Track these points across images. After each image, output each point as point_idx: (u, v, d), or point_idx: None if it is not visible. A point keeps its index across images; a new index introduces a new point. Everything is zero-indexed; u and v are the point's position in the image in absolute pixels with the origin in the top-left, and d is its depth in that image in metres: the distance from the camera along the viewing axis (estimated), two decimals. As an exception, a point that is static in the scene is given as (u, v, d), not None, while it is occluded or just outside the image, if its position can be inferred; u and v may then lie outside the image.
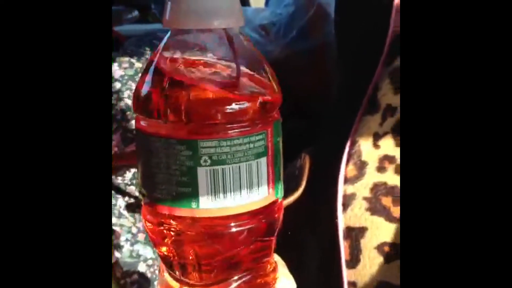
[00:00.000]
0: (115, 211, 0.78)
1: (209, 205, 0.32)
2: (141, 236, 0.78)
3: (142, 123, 0.33)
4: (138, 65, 0.79)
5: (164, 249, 0.35)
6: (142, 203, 0.35)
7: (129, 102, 0.75)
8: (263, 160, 0.33)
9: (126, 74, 0.77)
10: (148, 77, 0.33)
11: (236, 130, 0.32)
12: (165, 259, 0.35)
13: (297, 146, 0.67)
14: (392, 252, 0.52)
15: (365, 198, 0.55)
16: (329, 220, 0.56)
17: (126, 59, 0.80)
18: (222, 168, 0.32)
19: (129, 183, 0.77)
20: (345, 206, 0.56)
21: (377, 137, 0.56)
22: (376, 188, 0.55)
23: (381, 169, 0.55)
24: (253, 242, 0.34)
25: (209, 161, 0.32)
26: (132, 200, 0.78)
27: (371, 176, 0.56)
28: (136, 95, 0.33)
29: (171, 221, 0.33)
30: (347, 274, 0.54)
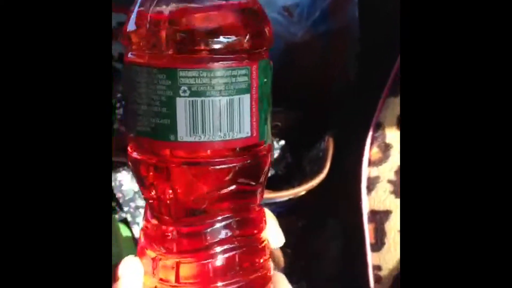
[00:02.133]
0: (141, 194, 0.79)
1: (187, 138, 0.31)
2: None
3: (129, 55, 0.33)
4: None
5: (148, 189, 0.34)
6: (128, 139, 0.34)
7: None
8: (246, 98, 0.32)
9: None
10: (133, 16, 0.33)
11: (218, 62, 0.31)
12: (148, 200, 0.35)
13: (321, 128, 0.67)
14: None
15: (389, 181, 0.55)
16: (353, 203, 0.56)
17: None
18: (202, 100, 0.31)
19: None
20: (369, 189, 0.56)
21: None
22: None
23: (406, 151, 0.55)
24: (234, 182, 0.33)
25: (188, 91, 0.31)
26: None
27: (396, 159, 0.55)
28: (124, 30, 0.33)
29: (152, 155, 0.33)
30: (371, 257, 0.54)
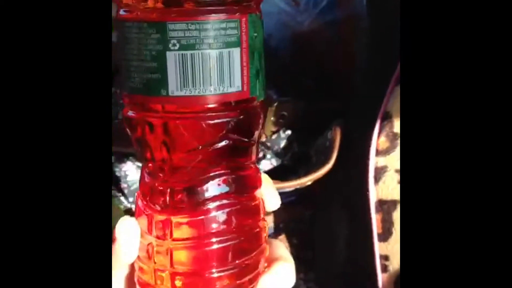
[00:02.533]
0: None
1: (178, 92, 0.31)
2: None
3: (120, 11, 0.33)
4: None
5: (143, 150, 0.34)
6: (122, 97, 0.34)
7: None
8: (236, 51, 0.32)
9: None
10: None
11: (206, 14, 0.31)
12: (141, 158, 0.35)
13: (328, 117, 0.66)
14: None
15: (397, 171, 0.54)
16: (361, 193, 0.56)
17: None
18: (191, 54, 0.31)
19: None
20: (377, 178, 0.55)
21: (409, 108, 0.55)
22: (409, 160, 0.54)
23: (413, 141, 0.54)
24: (226, 137, 0.33)
25: (177, 45, 0.31)
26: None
27: (404, 148, 0.55)
28: None
29: (144, 111, 0.33)
30: (379, 248, 0.54)
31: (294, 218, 0.64)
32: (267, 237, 0.37)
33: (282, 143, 0.67)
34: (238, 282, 0.35)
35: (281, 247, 0.38)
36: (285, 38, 0.74)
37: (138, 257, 0.35)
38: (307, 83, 0.74)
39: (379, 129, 0.56)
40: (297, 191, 0.62)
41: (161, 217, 0.34)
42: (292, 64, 0.73)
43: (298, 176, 0.62)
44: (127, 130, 0.35)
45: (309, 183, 0.61)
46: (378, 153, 0.56)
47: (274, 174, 0.66)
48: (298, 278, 0.64)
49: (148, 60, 0.31)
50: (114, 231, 0.35)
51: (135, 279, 0.36)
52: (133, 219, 0.35)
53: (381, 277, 0.53)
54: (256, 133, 0.35)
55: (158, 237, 0.34)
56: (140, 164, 0.82)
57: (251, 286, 0.35)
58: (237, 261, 0.34)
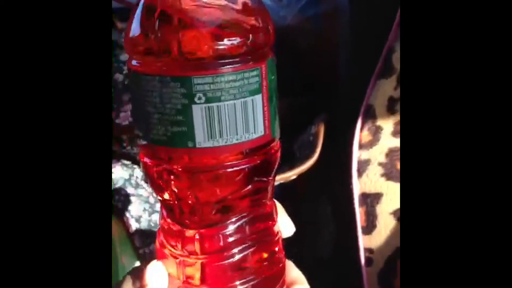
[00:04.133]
0: (132, 182, 0.78)
1: (206, 144, 0.32)
2: (158, 206, 0.78)
3: (134, 62, 0.33)
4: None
5: (163, 193, 0.35)
6: (139, 146, 0.35)
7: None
8: (258, 98, 0.32)
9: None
10: (137, 17, 0.33)
11: (230, 66, 0.31)
12: (165, 203, 0.35)
13: (311, 112, 0.66)
14: (408, 218, 0.52)
15: (380, 164, 0.54)
16: (344, 187, 0.56)
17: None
18: (217, 106, 0.31)
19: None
20: (360, 172, 0.55)
21: (392, 101, 0.55)
22: (392, 153, 0.54)
23: (396, 133, 0.55)
24: (250, 182, 0.34)
25: (203, 98, 0.31)
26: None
27: (386, 141, 0.55)
28: (127, 36, 0.33)
29: (169, 162, 0.33)
30: (363, 240, 0.54)
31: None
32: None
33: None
34: None
35: (293, 269, 0.39)
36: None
37: None
38: (290, 78, 0.74)
39: (361, 123, 0.56)
40: (281, 186, 0.62)
41: (189, 261, 0.35)
42: (275, 58, 0.73)
43: (283, 170, 0.63)
44: (145, 173, 0.35)
45: (294, 177, 0.61)
46: (361, 146, 0.56)
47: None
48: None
49: (173, 114, 0.32)
50: (141, 275, 0.35)
51: None
52: (160, 263, 0.36)
53: (365, 270, 0.54)
54: (275, 171, 0.36)
55: (187, 281, 0.35)
56: (126, 162, 0.82)
57: None
58: None
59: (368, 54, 0.60)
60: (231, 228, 0.35)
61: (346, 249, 0.56)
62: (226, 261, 0.35)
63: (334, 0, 0.74)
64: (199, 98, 0.31)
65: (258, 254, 0.35)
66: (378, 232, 0.53)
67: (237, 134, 0.32)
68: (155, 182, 0.35)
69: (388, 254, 0.53)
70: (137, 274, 0.36)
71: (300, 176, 0.61)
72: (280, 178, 0.61)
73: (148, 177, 0.35)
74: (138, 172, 0.79)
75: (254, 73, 0.32)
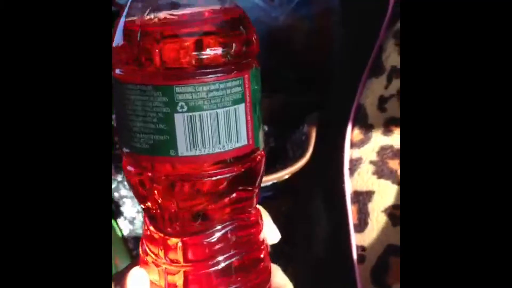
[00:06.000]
0: (125, 183, 0.78)
1: (188, 152, 0.32)
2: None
3: (118, 71, 0.33)
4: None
5: (146, 201, 0.35)
6: (122, 154, 0.35)
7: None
8: (241, 107, 0.32)
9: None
10: (120, 28, 0.33)
11: (212, 76, 0.32)
12: (147, 211, 0.35)
13: (303, 111, 0.67)
14: (400, 215, 0.52)
15: (371, 162, 0.55)
16: (336, 185, 0.56)
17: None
18: (200, 114, 0.31)
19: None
20: (352, 170, 0.55)
21: (382, 100, 0.56)
22: (383, 152, 0.55)
23: (387, 132, 0.55)
24: (234, 190, 0.34)
25: (185, 107, 0.31)
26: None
27: (378, 140, 0.55)
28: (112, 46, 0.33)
29: (151, 170, 0.33)
30: (355, 238, 0.54)
31: (271, 213, 0.64)
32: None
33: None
34: None
35: (279, 274, 0.39)
36: (260, 34, 0.74)
37: None
38: (283, 78, 0.74)
39: (353, 122, 0.57)
40: (274, 186, 0.62)
41: (172, 270, 0.35)
42: (268, 59, 0.73)
43: (275, 170, 0.63)
44: (127, 181, 0.36)
45: (287, 176, 0.62)
46: (352, 145, 0.56)
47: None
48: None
49: (155, 122, 0.32)
50: (123, 281, 0.35)
51: None
52: (142, 270, 0.36)
53: (357, 268, 0.54)
54: (259, 180, 0.36)
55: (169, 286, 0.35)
56: (119, 164, 0.82)
57: None
58: None
59: (358, 53, 0.60)
60: (215, 236, 0.34)
61: (338, 247, 0.56)
62: (210, 269, 0.34)
63: (326, 0, 0.74)
64: (181, 107, 0.31)
65: (243, 262, 0.35)
66: (370, 229, 0.53)
67: (219, 143, 0.32)
68: (138, 190, 0.35)
69: (380, 251, 0.53)
70: (119, 280, 0.35)
71: (293, 175, 0.61)
72: (273, 178, 0.61)
73: (131, 186, 0.35)
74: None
75: (237, 82, 0.32)
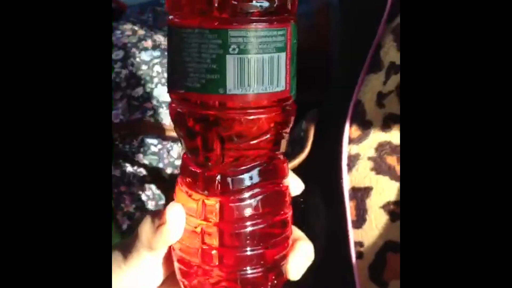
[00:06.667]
0: (124, 179, 0.79)
1: (235, 90, 0.36)
2: (150, 204, 0.78)
3: (175, 18, 0.37)
4: (141, 32, 0.79)
5: (191, 139, 0.38)
6: (173, 96, 0.39)
7: (133, 70, 0.75)
8: (283, 55, 0.37)
9: (129, 42, 0.77)
10: None
11: (262, 24, 0.36)
12: (191, 148, 0.39)
13: (302, 108, 0.66)
14: (398, 211, 0.52)
15: (370, 158, 0.55)
16: (335, 181, 0.56)
17: (129, 26, 0.80)
18: (248, 57, 0.35)
19: (136, 151, 0.78)
20: (350, 166, 0.56)
21: (381, 96, 0.56)
22: (381, 148, 0.55)
23: (385, 128, 0.55)
24: (271, 129, 0.38)
25: (237, 49, 0.35)
26: (140, 169, 0.78)
27: (376, 136, 0.55)
28: None
29: (200, 108, 0.37)
30: (353, 234, 0.54)
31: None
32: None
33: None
34: (269, 259, 0.40)
35: (296, 229, 0.43)
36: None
37: (183, 239, 0.39)
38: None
39: (351, 118, 0.57)
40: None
41: (210, 202, 0.38)
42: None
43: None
44: (175, 123, 0.39)
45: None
46: (350, 141, 0.56)
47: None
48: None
49: (208, 62, 0.36)
50: (162, 214, 0.39)
51: (175, 259, 0.40)
52: (179, 204, 0.39)
53: (356, 264, 0.54)
54: (290, 126, 0.40)
55: (206, 219, 0.39)
56: (118, 160, 0.83)
57: (282, 263, 0.40)
58: (268, 242, 0.39)
59: (357, 49, 0.60)
60: (250, 173, 0.38)
61: (336, 243, 0.56)
62: (244, 202, 0.38)
63: (324, -4, 0.74)
64: (233, 49, 0.35)
65: (271, 202, 0.39)
66: (368, 225, 0.53)
67: (262, 85, 0.36)
68: (185, 127, 0.38)
69: (378, 247, 0.53)
70: (157, 214, 0.39)
71: (291, 171, 0.61)
72: (271, 174, 0.61)
73: (178, 126, 0.39)
74: (130, 170, 0.79)
75: (281, 32, 0.36)
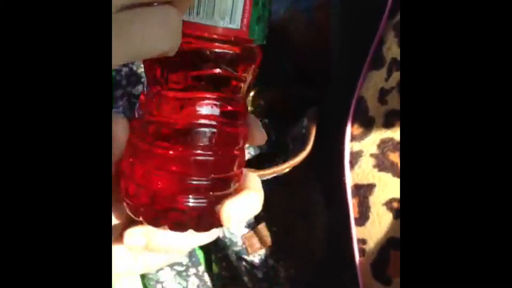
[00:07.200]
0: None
1: (185, 17, 0.34)
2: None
3: None
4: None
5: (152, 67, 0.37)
6: None
7: (134, 67, 0.74)
8: None
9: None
10: None
11: None
12: (152, 78, 0.38)
13: (304, 105, 0.66)
14: (401, 208, 0.52)
15: (372, 155, 0.55)
16: (337, 178, 0.56)
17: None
18: None
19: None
20: (352, 163, 0.55)
21: (383, 92, 0.55)
22: (383, 144, 0.54)
23: (388, 124, 0.55)
24: (219, 67, 0.36)
25: None
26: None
27: (378, 133, 0.55)
28: None
29: None
30: (356, 232, 0.54)
31: (273, 206, 0.64)
32: (243, 169, 0.40)
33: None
34: (208, 194, 0.38)
35: (254, 179, 0.40)
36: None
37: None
38: (284, 71, 0.74)
39: (353, 114, 0.57)
40: (275, 179, 0.62)
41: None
42: (269, 52, 0.73)
43: (276, 163, 0.63)
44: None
45: (287, 170, 0.61)
46: (353, 138, 0.56)
47: (253, 163, 0.66)
48: (278, 265, 0.65)
49: None
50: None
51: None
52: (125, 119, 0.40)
53: (358, 261, 0.54)
54: (248, 71, 0.38)
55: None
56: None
57: (217, 203, 0.38)
58: (210, 176, 0.37)
59: (358, 46, 0.60)
60: (201, 102, 0.37)
61: (339, 240, 0.56)
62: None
63: (325, -8, 0.74)
64: None
65: (222, 135, 0.37)
66: (371, 222, 0.53)
67: (213, 17, 0.34)
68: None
69: (381, 245, 0.53)
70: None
71: (293, 168, 0.61)
72: (274, 171, 0.61)
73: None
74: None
75: None
